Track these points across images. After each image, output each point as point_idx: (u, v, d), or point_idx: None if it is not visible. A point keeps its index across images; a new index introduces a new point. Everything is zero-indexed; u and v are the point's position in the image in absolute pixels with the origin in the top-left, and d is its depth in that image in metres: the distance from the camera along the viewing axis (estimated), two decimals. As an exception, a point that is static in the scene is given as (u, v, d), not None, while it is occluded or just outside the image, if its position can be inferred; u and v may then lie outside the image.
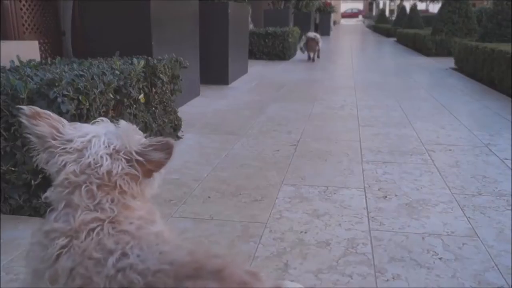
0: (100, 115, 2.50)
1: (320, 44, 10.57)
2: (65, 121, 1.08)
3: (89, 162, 1.02)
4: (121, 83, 2.74)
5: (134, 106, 2.98)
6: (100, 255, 0.92)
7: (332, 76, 8.42)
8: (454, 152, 3.58)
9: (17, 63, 2.90)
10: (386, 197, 2.70)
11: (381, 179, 2.99)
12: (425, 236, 2.22)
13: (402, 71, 8.92)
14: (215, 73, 6.77)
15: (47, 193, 1.05)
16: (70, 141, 1.04)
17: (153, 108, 3.35)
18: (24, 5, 4.19)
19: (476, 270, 1.93)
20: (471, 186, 2.87)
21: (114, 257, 0.91)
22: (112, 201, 1.01)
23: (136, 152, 1.03)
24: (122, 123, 1.09)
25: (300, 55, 11.35)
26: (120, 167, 1.02)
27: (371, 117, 4.80)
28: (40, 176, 2.26)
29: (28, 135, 1.05)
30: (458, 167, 3.22)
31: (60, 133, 1.05)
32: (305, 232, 2.25)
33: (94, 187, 1.01)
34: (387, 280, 1.86)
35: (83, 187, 1.01)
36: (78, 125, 1.10)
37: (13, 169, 2.25)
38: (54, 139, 1.04)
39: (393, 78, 7.99)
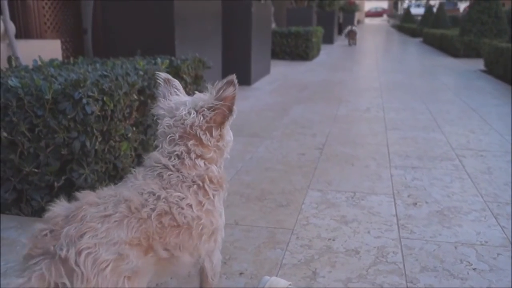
0: (124, 117, 2.47)
1: (357, 34, 15.69)
2: (180, 89, 1.44)
3: (181, 116, 1.33)
4: (145, 83, 2.70)
5: (158, 107, 2.94)
6: (126, 182, 1.29)
7: (357, 77, 8.30)
8: (486, 158, 3.45)
9: (39, 62, 2.89)
10: (416, 204, 2.60)
11: (410, 185, 2.89)
12: (458, 246, 2.13)
13: (428, 73, 8.73)
14: (237, 73, 6.46)
15: (156, 142, 1.41)
16: (171, 101, 1.38)
17: (177, 109, 3.30)
18: (46, 4, 4.20)
19: (514, 283, 1.83)
20: (505, 194, 2.75)
21: (124, 186, 1.27)
22: (181, 153, 1.31)
23: (215, 99, 1.33)
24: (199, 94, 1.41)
25: (323, 55, 11.51)
26: (202, 118, 1.32)
27: (398, 120, 4.68)
28: (63, 178, 2.24)
29: (158, 92, 1.43)
30: (490, 174, 3.09)
31: (170, 95, 1.40)
32: (333, 239, 2.17)
33: (177, 136, 1.32)
34: (420, 292, 1.78)
35: (169, 136, 1.33)
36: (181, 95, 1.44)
37: (36, 170, 2.22)
38: (165, 98, 1.39)
39: (419, 79, 7.82)
